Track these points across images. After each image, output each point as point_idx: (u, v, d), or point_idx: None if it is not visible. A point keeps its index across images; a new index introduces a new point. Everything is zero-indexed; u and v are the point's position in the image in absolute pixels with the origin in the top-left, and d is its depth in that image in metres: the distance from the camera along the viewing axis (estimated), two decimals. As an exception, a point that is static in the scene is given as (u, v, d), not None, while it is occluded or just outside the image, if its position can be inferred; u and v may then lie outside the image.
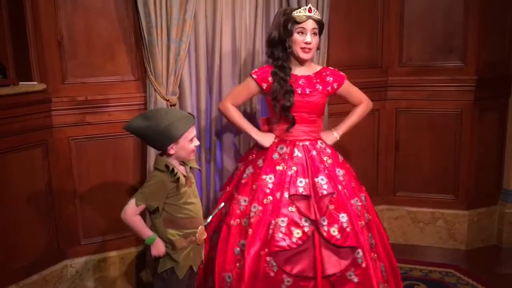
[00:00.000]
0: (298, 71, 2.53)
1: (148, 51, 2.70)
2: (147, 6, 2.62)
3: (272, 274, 2.30)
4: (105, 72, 2.79)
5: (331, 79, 2.56)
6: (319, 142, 2.56)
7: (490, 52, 3.35)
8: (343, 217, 2.38)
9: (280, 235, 2.32)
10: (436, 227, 3.55)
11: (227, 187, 2.63)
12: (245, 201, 2.44)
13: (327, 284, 2.33)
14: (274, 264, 2.30)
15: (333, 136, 2.63)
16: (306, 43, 2.44)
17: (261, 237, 2.33)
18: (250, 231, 2.35)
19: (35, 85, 2.59)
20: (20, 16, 2.57)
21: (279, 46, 2.49)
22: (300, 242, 2.32)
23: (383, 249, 2.54)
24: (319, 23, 2.47)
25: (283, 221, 2.34)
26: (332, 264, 2.33)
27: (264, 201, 2.39)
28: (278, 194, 2.39)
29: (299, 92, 2.49)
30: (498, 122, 3.52)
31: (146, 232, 2.09)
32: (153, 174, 2.12)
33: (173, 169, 2.05)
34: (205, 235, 2.24)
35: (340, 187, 2.44)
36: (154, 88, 2.73)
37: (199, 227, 2.18)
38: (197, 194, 2.25)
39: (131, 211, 2.04)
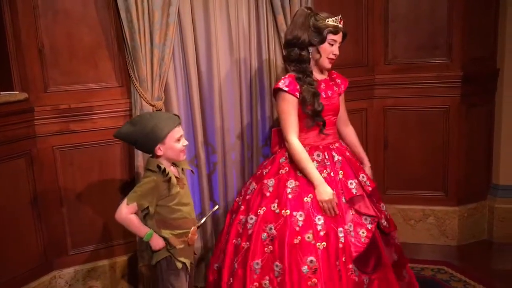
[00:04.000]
0: (317, 76, 2.53)
1: (131, 56, 2.67)
2: (129, 11, 2.59)
3: (356, 279, 2.29)
4: (88, 79, 2.76)
5: (339, 81, 2.62)
6: (339, 143, 2.59)
7: (476, 48, 3.36)
8: (383, 207, 2.53)
9: (353, 239, 2.33)
10: (427, 224, 3.55)
11: (260, 209, 2.41)
12: (301, 215, 2.32)
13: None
14: (356, 269, 2.31)
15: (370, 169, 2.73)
16: (335, 55, 2.44)
17: (334, 247, 2.28)
18: (322, 245, 2.27)
19: (16, 95, 2.54)
20: (-1, 24, 2.53)
21: (300, 48, 2.42)
22: (367, 240, 2.34)
23: None
24: (345, 35, 2.45)
25: (350, 225, 2.37)
26: (389, 252, 2.48)
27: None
28: (341, 199, 2.41)
29: (324, 96, 2.49)
30: (485, 118, 3.53)
31: (142, 229, 2.13)
32: (145, 175, 2.16)
33: (164, 169, 2.10)
34: (196, 236, 2.28)
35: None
36: (139, 94, 2.70)
37: (192, 228, 2.22)
38: (190, 195, 2.30)
39: (124, 211, 2.09)
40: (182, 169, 2.29)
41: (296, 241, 2.27)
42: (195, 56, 2.87)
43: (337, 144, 2.56)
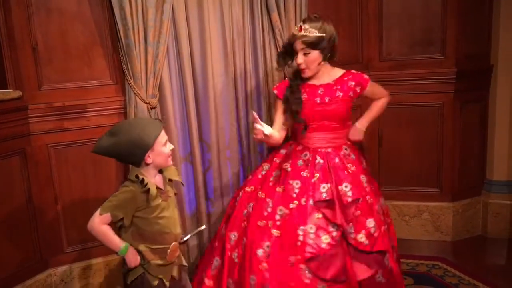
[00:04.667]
0: (316, 81, 2.54)
1: (125, 54, 2.67)
2: (122, 9, 2.59)
3: (307, 281, 2.29)
4: (82, 77, 2.75)
5: (353, 83, 2.54)
6: (343, 148, 2.56)
7: (469, 44, 3.38)
8: (370, 223, 2.38)
9: (310, 241, 2.33)
10: (422, 220, 3.57)
11: (248, 187, 2.63)
12: (271, 202, 2.46)
13: (358, 286, 2.35)
14: (308, 271, 2.30)
15: (360, 130, 2.64)
16: (299, 64, 2.47)
17: (290, 242, 2.33)
18: (277, 233, 2.36)
19: (10, 93, 2.54)
20: (-8, 23, 2.52)
21: (289, 55, 2.55)
22: (328, 247, 2.33)
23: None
24: (307, 43, 2.41)
25: (311, 227, 2.36)
26: (362, 269, 2.36)
27: (290, 205, 2.42)
28: (303, 200, 2.41)
29: (318, 101, 2.51)
30: (479, 114, 3.55)
31: (116, 242, 1.99)
32: (124, 184, 2.04)
33: (143, 180, 1.97)
34: (177, 253, 2.14)
35: (363, 193, 2.45)
36: (134, 92, 2.70)
37: (172, 244, 2.09)
38: (175, 208, 2.17)
39: (96, 221, 1.96)
40: (170, 180, 2.14)
41: (260, 223, 2.40)
42: (190, 54, 2.87)
43: (329, 149, 2.54)
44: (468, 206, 3.57)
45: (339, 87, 2.53)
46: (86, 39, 2.73)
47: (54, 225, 2.81)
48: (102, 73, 2.79)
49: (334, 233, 2.34)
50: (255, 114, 2.40)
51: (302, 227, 2.35)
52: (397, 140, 3.54)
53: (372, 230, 2.37)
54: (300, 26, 2.44)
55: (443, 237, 3.54)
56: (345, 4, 3.35)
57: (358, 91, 2.56)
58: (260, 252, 2.34)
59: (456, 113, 3.42)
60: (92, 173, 2.85)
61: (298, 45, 2.44)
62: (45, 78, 2.67)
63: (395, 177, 3.58)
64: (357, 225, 2.37)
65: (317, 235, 2.33)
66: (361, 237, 2.35)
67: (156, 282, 2.05)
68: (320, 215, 2.38)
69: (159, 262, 2.06)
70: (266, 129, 2.40)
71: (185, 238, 2.25)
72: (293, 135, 2.72)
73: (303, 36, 2.41)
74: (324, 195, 2.40)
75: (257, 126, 2.39)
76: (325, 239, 2.33)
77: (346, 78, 2.55)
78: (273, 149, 2.72)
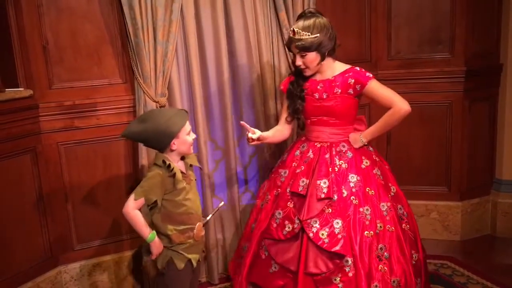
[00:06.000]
0: (318, 76, 2.53)
1: (135, 53, 2.69)
2: (132, 8, 2.61)
3: (263, 257, 2.52)
4: (92, 76, 2.78)
5: (353, 81, 2.45)
6: (341, 144, 2.53)
7: (479, 43, 3.36)
8: (337, 223, 2.36)
9: (274, 225, 2.48)
10: (430, 219, 3.55)
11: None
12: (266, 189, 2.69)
13: (311, 282, 2.35)
14: (266, 249, 2.50)
15: (359, 141, 2.53)
16: (297, 66, 2.48)
17: (264, 224, 2.53)
18: (260, 216, 2.58)
19: (21, 91, 2.57)
20: (3, 22, 2.55)
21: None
22: (288, 236, 2.43)
23: (404, 264, 2.39)
24: (300, 47, 2.39)
25: (279, 213, 2.49)
26: (316, 264, 2.34)
27: (275, 192, 2.58)
28: (287, 189, 2.51)
29: (317, 97, 2.52)
30: (488, 113, 3.53)
31: (145, 229, 2.14)
32: (151, 169, 2.18)
33: (169, 165, 2.11)
34: (203, 232, 2.29)
35: (346, 193, 2.41)
36: (143, 90, 2.72)
37: (197, 224, 2.23)
38: (196, 191, 2.31)
39: (131, 205, 2.10)
40: (190, 165, 2.29)
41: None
42: (198, 53, 2.88)
43: (327, 144, 2.52)
44: (477, 205, 3.56)
45: (338, 83, 2.47)
46: (96, 38, 2.75)
47: (64, 222, 2.84)
48: (112, 72, 2.82)
49: (296, 225, 2.41)
50: (244, 124, 2.51)
51: (277, 211, 2.49)
52: (405, 139, 3.53)
53: (336, 231, 2.34)
54: (293, 30, 2.41)
55: (451, 237, 3.53)
56: (353, 2, 3.35)
57: (358, 89, 2.46)
58: (252, 227, 2.64)
59: (465, 112, 3.40)
60: (101, 171, 2.88)
61: (294, 49, 2.44)
62: (55, 77, 2.70)
63: (403, 176, 3.55)
64: (323, 222, 2.36)
65: (282, 221, 2.46)
66: (323, 234, 2.34)
67: (182, 265, 2.19)
68: (292, 205, 2.47)
69: (189, 241, 2.20)
70: (256, 134, 2.50)
71: (208, 218, 2.40)
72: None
73: (297, 40, 2.39)
74: (300, 188, 2.45)
75: (249, 134, 2.50)
76: (287, 228, 2.44)
77: (347, 75, 2.47)
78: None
